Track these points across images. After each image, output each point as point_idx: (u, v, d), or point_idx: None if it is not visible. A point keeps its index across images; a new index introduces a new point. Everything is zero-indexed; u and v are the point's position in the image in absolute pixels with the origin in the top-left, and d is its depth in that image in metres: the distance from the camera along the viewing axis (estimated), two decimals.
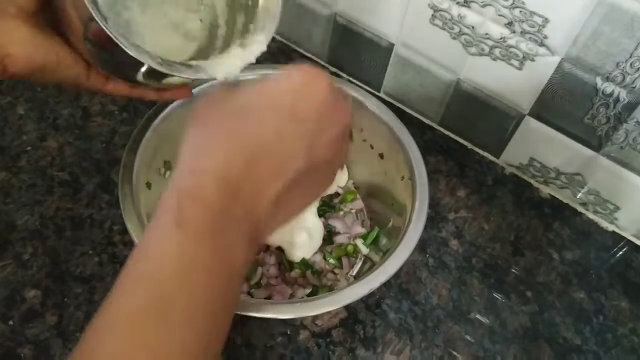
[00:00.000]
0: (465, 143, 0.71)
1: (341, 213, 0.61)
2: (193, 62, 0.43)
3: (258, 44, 0.46)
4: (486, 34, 0.59)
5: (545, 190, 0.68)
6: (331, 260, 0.58)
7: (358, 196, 0.63)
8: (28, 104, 0.68)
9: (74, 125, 0.67)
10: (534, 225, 0.65)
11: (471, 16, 0.59)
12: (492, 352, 0.56)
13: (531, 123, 0.63)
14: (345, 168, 0.63)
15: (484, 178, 0.68)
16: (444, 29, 0.62)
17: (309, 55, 0.78)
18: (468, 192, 0.67)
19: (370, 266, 0.56)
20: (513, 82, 0.61)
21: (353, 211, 0.62)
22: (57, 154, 0.64)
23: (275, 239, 0.56)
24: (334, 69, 0.77)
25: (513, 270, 0.61)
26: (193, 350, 0.29)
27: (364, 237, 0.59)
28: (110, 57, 0.40)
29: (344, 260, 0.58)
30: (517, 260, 0.62)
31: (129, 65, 0.40)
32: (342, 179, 0.62)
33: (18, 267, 0.56)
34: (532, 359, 0.56)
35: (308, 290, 0.55)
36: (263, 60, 0.77)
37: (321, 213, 0.60)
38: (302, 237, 0.56)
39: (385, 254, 0.51)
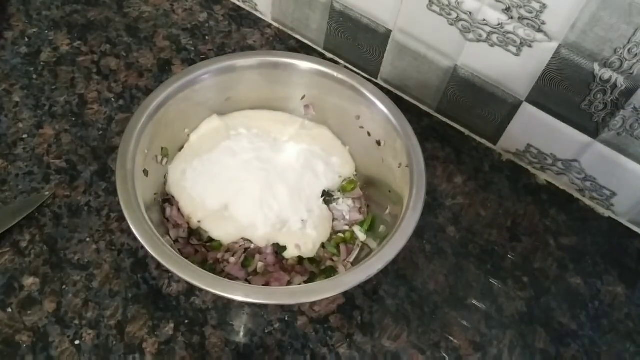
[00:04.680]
0: (463, 130, 0.71)
1: (340, 201, 0.61)
2: None
3: None
4: (484, 20, 0.59)
5: (542, 177, 0.68)
6: (329, 248, 0.58)
7: (357, 185, 0.63)
8: (24, 91, 0.68)
9: (71, 112, 0.67)
10: (530, 212, 0.65)
11: (469, 2, 0.58)
12: (488, 337, 0.56)
13: (528, 109, 0.63)
14: (351, 160, 0.63)
15: (481, 165, 0.68)
16: (441, 15, 0.61)
17: (305, 41, 0.77)
18: (465, 178, 0.67)
19: (367, 253, 0.56)
20: (510, 69, 0.61)
21: (351, 199, 0.62)
22: (54, 142, 0.64)
23: (282, 239, 0.57)
24: (331, 56, 0.76)
25: (509, 256, 0.61)
26: None
27: (361, 223, 0.59)
28: None
29: (342, 248, 0.58)
30: (513, 246, 0.62)
31: None
32: (348, 171, 0.62)
33: (16, 255, 0.56)
34: (528, 343, 0.56)
35: (305, 278, 0.56)
36: (259, 47, 0.77)
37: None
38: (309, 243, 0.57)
39: (383, 240, 0.51)
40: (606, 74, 0.55)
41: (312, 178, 0.60)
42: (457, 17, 0.60)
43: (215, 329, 0.54)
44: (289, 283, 0.55)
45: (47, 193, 0.60)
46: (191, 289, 0.56)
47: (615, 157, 0.60)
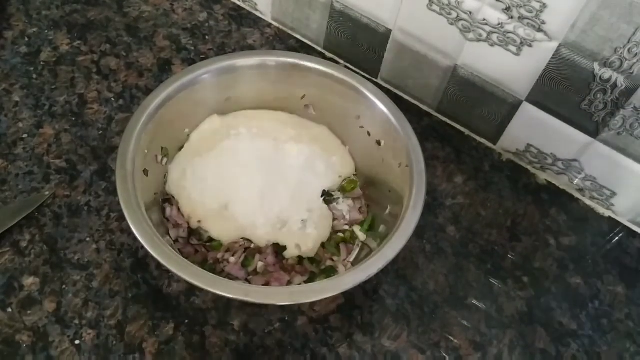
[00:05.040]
0: (463, 129, 0.71)
1: (340, 201, 0.61)
2: None
3: None
4: (484, 19, 0.59)
5: (542, 177, 0.68)
6: (329, 248, 0.58)
7: (358, 185, 0.62)
8: (24, 91, 0.68)
9: (70, 112, 0.67)
10: (530, 211, 0.65)
11: (469, 1, 0.58)
12: (488, 337, 0.56)
13: (528, 109, 0.63)
14: (351, 160, 0.63)
15: (481, 164, 0.68)
16: (441, 14, 0.61)
17: (305, 41, 0.77)
18: (465, 178, 0.67)
19: (367, 253, 0.56)
20: (510, 68, 0.61)
21: (351, 199, 0.62)
22: (54, 142, 0.64)
23: (283, 239, 0.56)
24: (331, 55, 0.76)
25: (510, 256, 0.61)
26: None
27: (361, 223, 0.59)
28: None
29: (342, 247, 0.58)
30: (513, 246, 0.62)
31: None
32: (348, 171, 0.62)
33: (16, 255, 0.56)
34: (528, 343, 0.56)
35: (305, 277, 0.56)
36: (259, 47, 0.77)
37: None
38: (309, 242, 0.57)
39: (383, 240, 0.51)
40: (606, 73, 0.55)
41: (312, 178, 0.59)
42: (457, 16, 0.60)
43: (216, 329, 0.54)
44: (289, 283, 0.55)
45: (47, 193, 0.60)
46: (191, 289, 0.56)
47: (615, 157, 0.60)
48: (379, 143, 0.60)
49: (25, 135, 0.64)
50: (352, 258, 0.58)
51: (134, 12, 0.77)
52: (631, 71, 0.53)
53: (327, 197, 0.61)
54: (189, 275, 0.46)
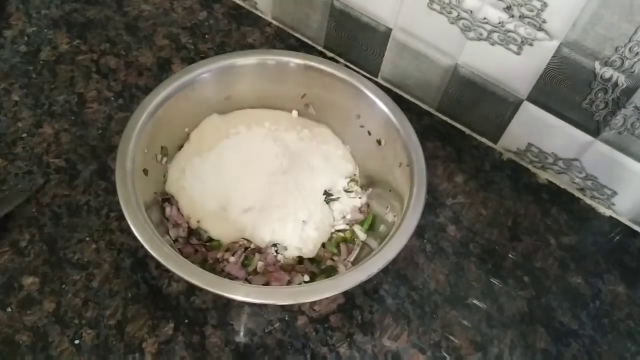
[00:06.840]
0: (463, 129, 0.71)
1: (341, 200, 0.61)
2: None
3: None
4: (484, 18, 0.58)
5: (543, 176, 0.68)
6: (330, 247, 0.58)
7: (358, 184, 0.62)
8: (23, 90, 0.68)
9: (70, 111, 0.67)
10: (531, 211, 0.65)
11: (469, 0, 0.58)
12: (489, 337, 0.56)
13: (529, 108, 0.63)
14: (352, 160, 0.63)
15: (482, 164, 0.68)
16: (442, 13, 0.61)
17: (306, 40, 0.77)
18: (466, 177, 0.67)
19: (368, 252, 0.56)
20: (511, 67, 0.61)
21: (351, 198, 0.62)
22: (53, 141, 0.64)
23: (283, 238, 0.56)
24: (331, 55, 0.76)
25: (510, 255, 0.61)
26: None
27: (362, 223, 0.59)
28: None
29: (342, 247, 0.58)
30: (514, 245, 0.62)
31: None
32: (348, 170, 0.62)
33: (15, 254, 0.56)
34: (529, 343, 0.56)
35: (306, 277, 0.55)
36: (259, 46, 0.77)
37: None
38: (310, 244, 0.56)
39: (383, 240, 0.51)
40: (607, 72, 0.55)
41: (312, 177, 0.59)
42: (458, 15, 0.60)
43: (215, 328, 0.54)
44: (289, 283, 0.55)
45: (41, 181, 0.59)
46: (191, 289, 0.55)
47: (616, 156, 0.60)
48: (379, 142, 0.59)
49: (24, 135, 0.64)
50: (352, 258, 0.58)
51: (133, 11, 0.77)
52: (632, 70, 0.53)
53: (328, 196, 0.60)
54: (188, 275, 0.46)
